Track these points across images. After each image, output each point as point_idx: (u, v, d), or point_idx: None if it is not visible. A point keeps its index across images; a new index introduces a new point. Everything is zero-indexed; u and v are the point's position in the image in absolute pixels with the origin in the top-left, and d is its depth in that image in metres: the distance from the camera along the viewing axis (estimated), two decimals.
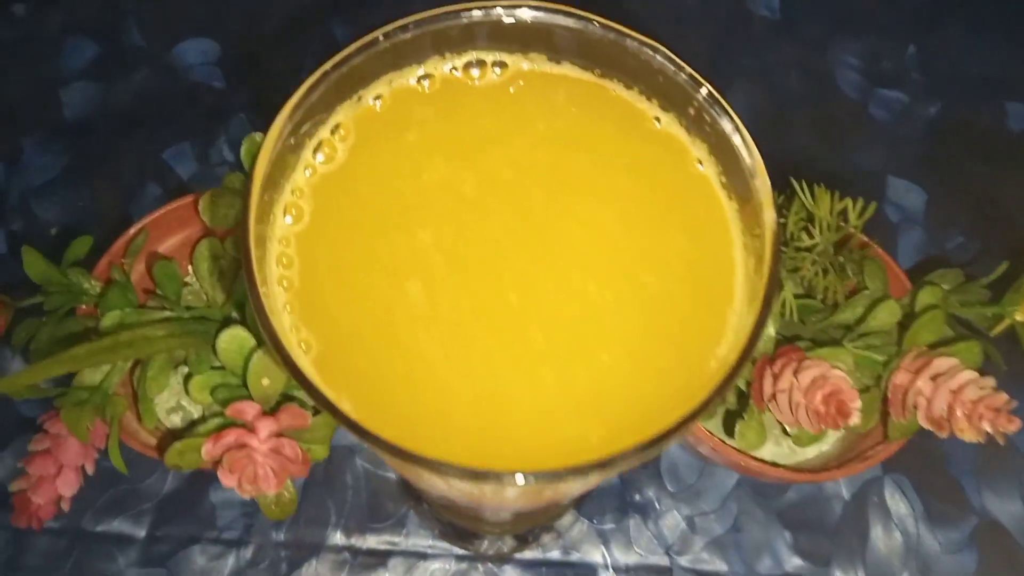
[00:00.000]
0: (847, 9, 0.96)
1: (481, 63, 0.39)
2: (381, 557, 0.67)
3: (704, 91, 0.35)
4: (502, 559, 0.66)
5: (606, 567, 0.67)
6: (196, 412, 0.58)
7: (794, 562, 0.68)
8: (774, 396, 0.48)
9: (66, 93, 0.84)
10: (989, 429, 0.46)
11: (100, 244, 0.61)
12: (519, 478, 0.28)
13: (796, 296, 0.51)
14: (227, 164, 0.81)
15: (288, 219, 0.35)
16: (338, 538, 0.67)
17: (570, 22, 0.37)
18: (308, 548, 0.67)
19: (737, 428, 0.52)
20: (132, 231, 0.57)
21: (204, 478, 0.68)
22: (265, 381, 0.47)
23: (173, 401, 0.59)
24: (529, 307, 0.34)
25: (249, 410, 0.46)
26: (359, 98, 0.37)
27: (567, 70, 0.39)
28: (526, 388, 0.33)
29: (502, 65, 0.39)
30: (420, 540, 0.67)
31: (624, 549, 0.68)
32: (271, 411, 0.48)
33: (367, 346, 0.33)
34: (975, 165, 0.86)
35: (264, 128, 0.76)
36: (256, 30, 0.89)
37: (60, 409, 0.48)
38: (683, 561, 0.68)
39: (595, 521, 0.69)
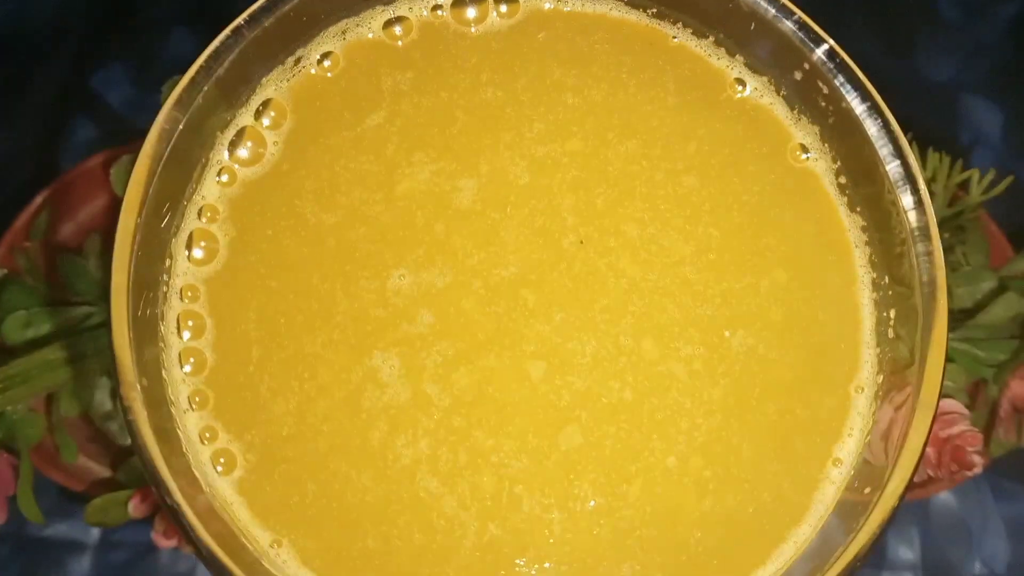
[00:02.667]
0: None
1: None
2: None
3: (824, 49, 0.23)
4: None
5: None
6: None
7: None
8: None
9: None
10: None
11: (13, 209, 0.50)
12: None
13: None
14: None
15: (196, 253, 0.24)
16: None
17: None
18: None
19: None
20: (36, 202, 0.45)
21: None
22: None
23: (108, 404, 0.49)
24: (560, 387, 0.23)
25: None
26: (297, 60, 0.25)
27: (607, 7, 0.26)
28: (557, 515, 0.22)
29: (509, 1, 0.26)
30: None
31: None
32: None
33: (319, 458, 0.22)
34: None
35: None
36: None
37: None
38: None
39: None
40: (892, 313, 0.23)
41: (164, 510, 0.19)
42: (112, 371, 0.19)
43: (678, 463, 0.23)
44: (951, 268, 0.41)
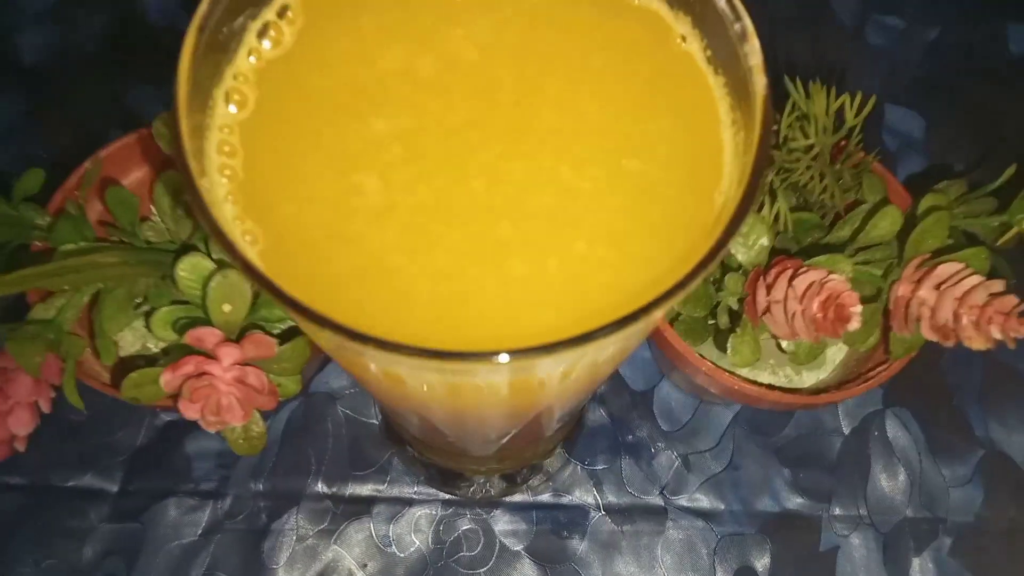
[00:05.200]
0: None
1: None
2: (365, 504, 0.64)
3: None
4: (490, 503, 0.64)
5: (598, 508, 0.64)
6: None
7: (794, 500, 0.66)
8: (768, 308, 0.44)
9: (24, 37, 0.80)
10: (998, 335, 0.43)
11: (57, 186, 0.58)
12: (502, 357, 0.25)
13: (792, 209, 0.48)
14: None
15: (232, 108, 0.32)
16: (319, 487, 0.64)
17: None
18: (288, 498, 0.64)
19: (730, 343, 0.49)
20: (85, 165, 0.54)
21: (178, 429, 0.65)
22: (226, 307, 0.44)
23: (138, 344, 0.56)
24: (496, 195, 0.31)
25: (210, 337, 0.43)
26: None
27: None
28: (492, 279, 0.30)
29: None
30: (405, 487, 0.65)
31: (617, 490, 0.65)
32: (235, 340, 0.45)
33: (316, 241, 0.30)
34: (976, 89, 0.82)
35: None
36: None
37: (8, 342, 0.44)
38: (679, 501, 0.65)
39: (587, 463, 0.66)
40: (740, 139, 0.31)
41: (223, 245, 0.26)
42: (168, 113, 0.27)
43: (586, 247, 0.30)
44: (849, 207, 0.49)
